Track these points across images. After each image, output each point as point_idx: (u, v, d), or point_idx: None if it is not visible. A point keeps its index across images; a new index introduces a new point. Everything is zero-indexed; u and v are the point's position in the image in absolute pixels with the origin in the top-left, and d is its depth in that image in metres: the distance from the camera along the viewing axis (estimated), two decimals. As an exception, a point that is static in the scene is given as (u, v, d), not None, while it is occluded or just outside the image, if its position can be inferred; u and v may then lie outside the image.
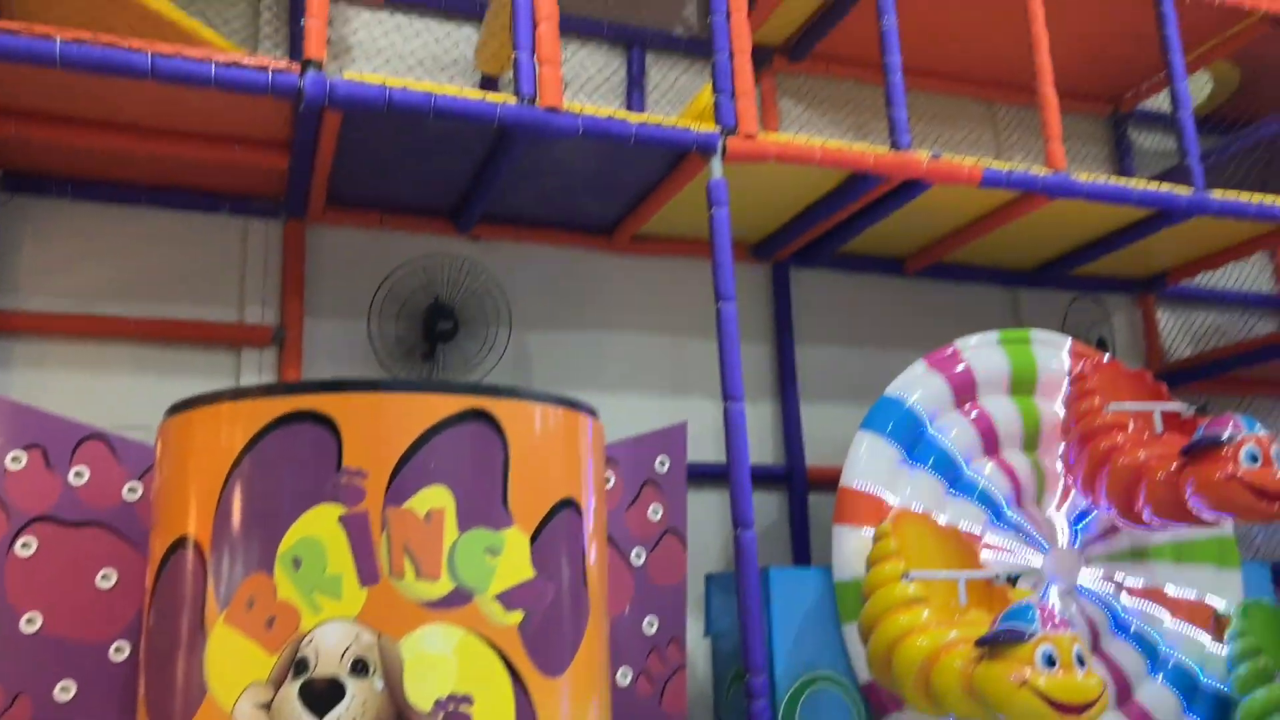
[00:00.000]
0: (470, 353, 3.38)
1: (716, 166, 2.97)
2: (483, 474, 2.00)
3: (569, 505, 2.13)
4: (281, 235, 3.32)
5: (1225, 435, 2.83)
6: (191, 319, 3.18)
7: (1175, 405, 3.28)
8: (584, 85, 3.82)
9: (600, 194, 3.37)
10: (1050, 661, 2.40)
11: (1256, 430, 2.85)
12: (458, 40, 3.70)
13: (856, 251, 3.97)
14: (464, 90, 2.73)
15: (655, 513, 2.79)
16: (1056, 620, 2.50)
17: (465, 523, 1.95)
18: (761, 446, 3.81)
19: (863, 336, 4.06)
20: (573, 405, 2.22)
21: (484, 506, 1.98)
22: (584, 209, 3.50)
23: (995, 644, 2.46)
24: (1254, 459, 2.80)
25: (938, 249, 3.93)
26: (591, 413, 2.31)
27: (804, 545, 3.68)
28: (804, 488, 3.74)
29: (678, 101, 3.96)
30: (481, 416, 2.02)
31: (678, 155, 3.06)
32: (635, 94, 3.85)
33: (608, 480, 2.73)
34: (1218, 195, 3.53)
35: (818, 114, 4.17)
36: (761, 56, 4.03)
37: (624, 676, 2.64)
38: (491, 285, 3.41)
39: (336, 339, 3.31)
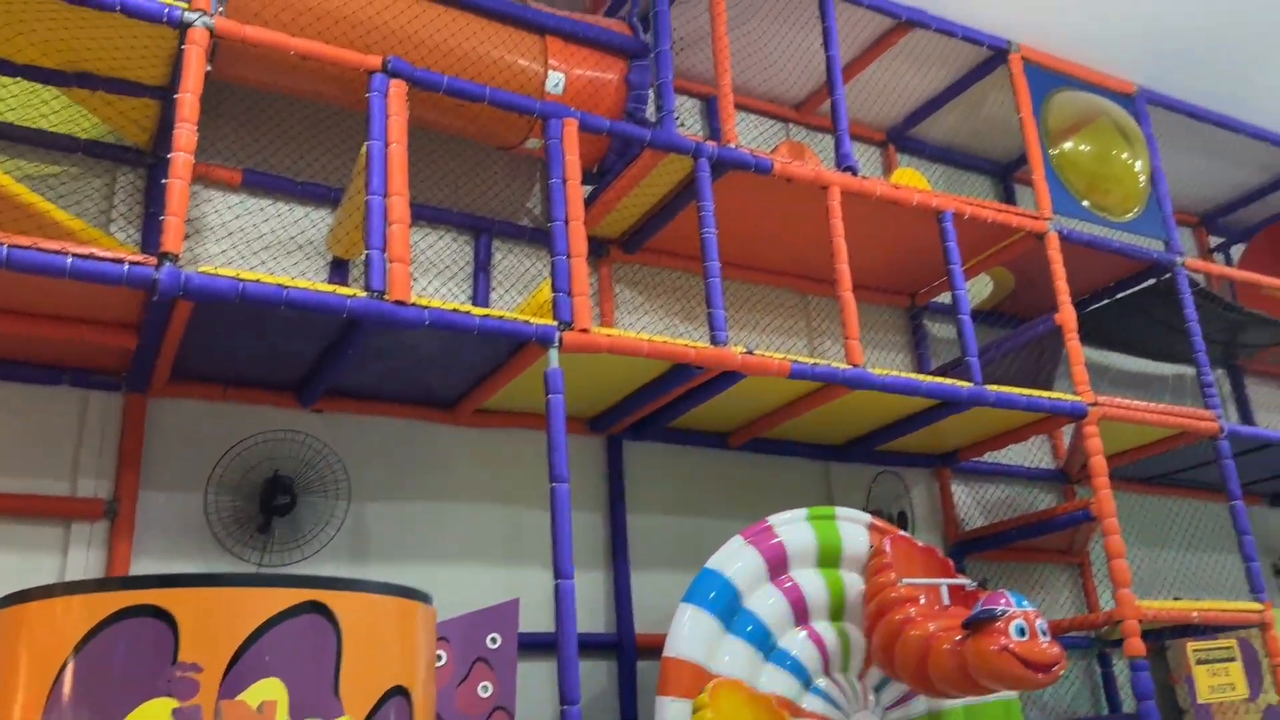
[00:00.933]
0: (307, 526, 3.45)
1: (553, 357, 3.23)
2: (316, 665, 2.10)
3: (400, 692, 2.24)
4: (122, 407, 3.36)
5: (998, 610, 3.19)
6: (21, 491, 3.15)
7: (961, 580, 3.65)
8: (434, 268, 4.06)
9: (444, 374, 3.57)
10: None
11: (1024, 606, 3.23)
12: (314, 222, 3.89)
13: (686, 426, 4.27)
14: (315, 284, 2.91)
15: (485, 690, 2.90)
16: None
17: (297, 714, 2.04)
18: (594, 614, 3.97)
19: (692, 507, 4.33)
20: (407, 594, 2.35)
21: (315, 697, 2.08)
22: (428, 386, 3.68)
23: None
24: (1022, 632, 3.15)
25: (757, 426, 4.28)
26: (425, 599, 2.44)
27: (632, 713, 3.81)
28: (633, 656, 3.90)
29: (521, 283, 4.25)
30: (317, 608, 2.13)
31: (518, 344, 3.31)
32: (482, 277, 4.12)
33: (440, 658, 2.84)
34: (993, 389, 4.03)
35: (651, 300, 4.54)
36: (601, 248, 4.40)
37: None
38: (332, 460, 3.52)
39: (171, 512, 3.33)
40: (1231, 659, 4.12)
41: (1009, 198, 5.73)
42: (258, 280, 2.81)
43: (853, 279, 4.26)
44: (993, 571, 4.89)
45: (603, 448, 4.20)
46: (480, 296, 4.06)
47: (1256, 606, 4.27)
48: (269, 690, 2.04)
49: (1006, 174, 5.76)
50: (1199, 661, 4.05)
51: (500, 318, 3.16)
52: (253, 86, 3.71)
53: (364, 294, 2.94)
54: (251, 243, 3.75)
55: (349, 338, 3.13)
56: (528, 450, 3.98)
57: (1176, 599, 5.29)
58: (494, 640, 2.93)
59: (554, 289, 3.28)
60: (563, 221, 3.34)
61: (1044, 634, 3.20)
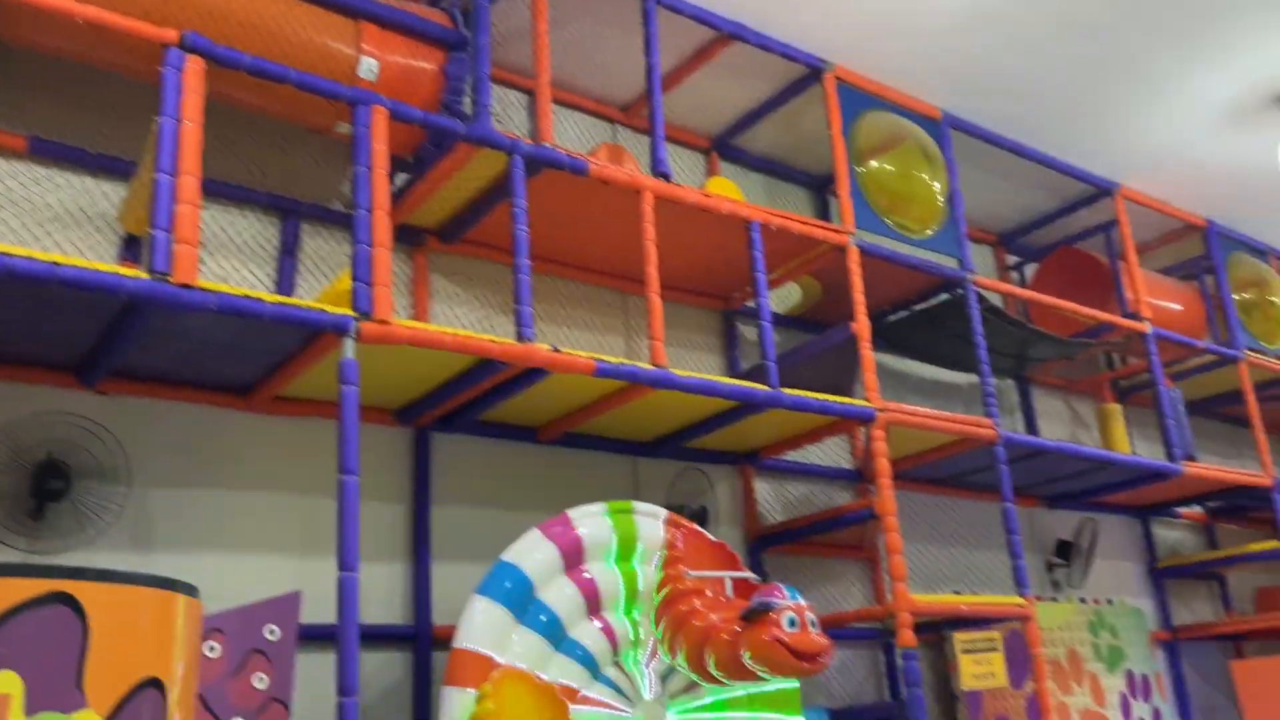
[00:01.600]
0: (84, 512, 3.32)
1: (349, 348, 3.21)
2: (58, 657, 2.04)
3: (153, 684, 2.20)
4: (-124, 382, 3.14)
5: (772, 603, 3.36)
6: None
7: (746, 574, 3.83)
8: (236, 249, 3.95)
9: (239, 360, 3.49)
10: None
11: (797, 599, 3.42)
12: (107, 194, 3.73)
13: (496, 420, 4.30)
14: (92, 263, 2.80)
15: (260, 681, 2.86)
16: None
17: (32, 707, 1.98)
18: (392, 606, 3.96)
19: (500, 500, 4.36)
20: (166, 584, 2.31)
21: (55, 690, 2.02)
22: (222, 371, 3.59)
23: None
24: (793, 624, 3.34)
25: (567, 421, 4.36)
26: (189, 590, 2.39)
27: (425, 704, 3.83)
28: (429, 647, 3.91)
29: (332, 267, 4.18)
30: (62, 599, 2.07)
31: (313, 333, 3.27)
32: (288, 261, 4.03)
33: (212, 650, 2.79)
34: (789, 392, 4.23)
35: (469, 292, 4.55)
36: (417, 236, 4.38)
37: None
38: (112, 445, 3.39)
39: (-71, 495, 3.14)
40: (994, 649, 4.45)
41: (823, 210, 6.00)
42: (29, 256, 2.68)
43: (670, 281, 4.39)
44: (790, 566, 5.13)
45: (409, 439, 4.19)
46: (285, 281, 3.98)
47: (1020, 601, 4.63)
48: (4, 683, 1.97)
49: (822, 187, 6.02)
50: (964, 651, 4.37)
51: (294, 305, 3.12)
52: (41, 52, 3.52)
53: (146, 275, 2.85)
54: (37, 213, 3.57)
55: (130, 320, 3.02)
56: (330, 439, 3.91)
57: (958, 593, 5.68)
58: (272, 632, 2.90)
59: (354, 278, 3.25)
60: (366, 210, 3.32)
61: (814, 626, 3.40)
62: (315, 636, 3.48)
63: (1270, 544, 6.45)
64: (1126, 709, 6.06)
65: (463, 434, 4.30)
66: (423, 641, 3.91)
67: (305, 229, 4.15)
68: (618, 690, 3.68)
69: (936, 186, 5.16)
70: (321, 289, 4.10)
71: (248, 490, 3.75)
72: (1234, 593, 7.45)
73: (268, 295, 3.08)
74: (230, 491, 3.71)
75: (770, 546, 5.03)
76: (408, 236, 4.35)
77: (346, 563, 2.99)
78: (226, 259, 3.92)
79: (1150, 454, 6.62)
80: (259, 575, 3.64)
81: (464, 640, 3.39)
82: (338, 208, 4.25)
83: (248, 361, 3.50)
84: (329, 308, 3.19)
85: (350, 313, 3.22)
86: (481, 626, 3.42)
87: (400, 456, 4.16)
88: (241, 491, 3.73)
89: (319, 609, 3.39)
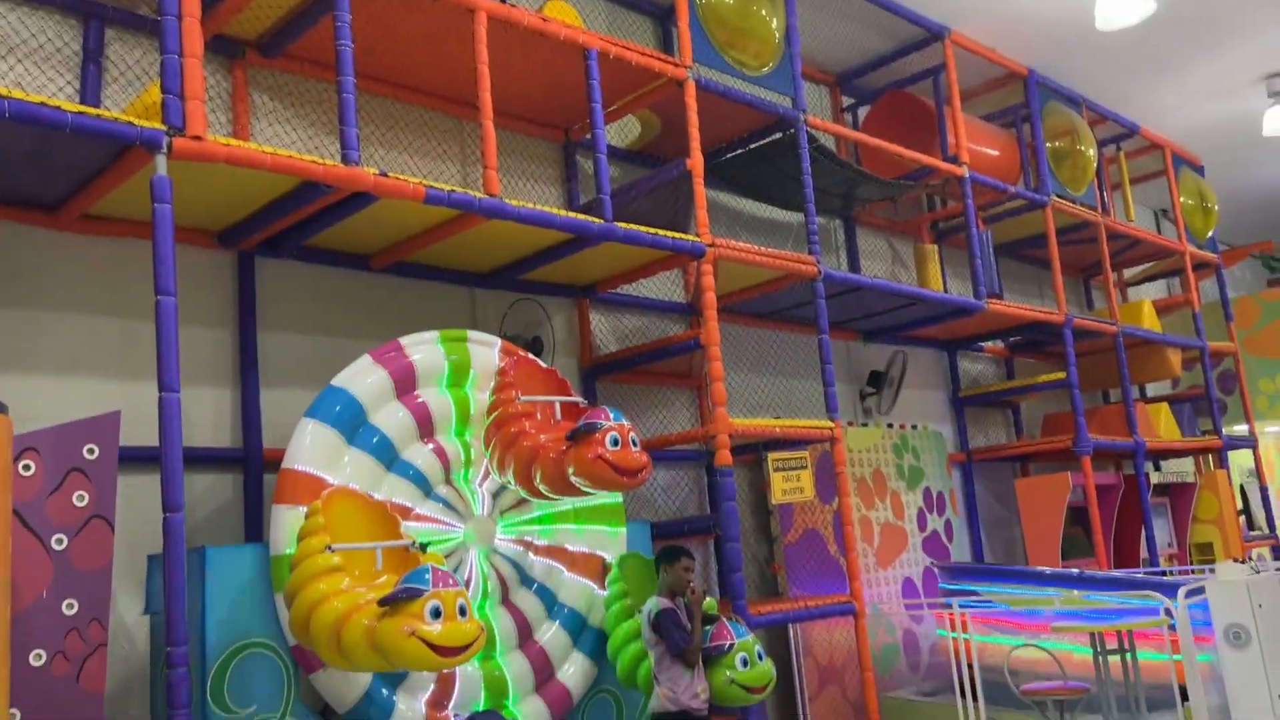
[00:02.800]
0: (-125, 331, 3.14)
1: (161, 164, 3.08)
2: None
3: (-40, 499, 2.18)
4: None
5: (597, 424, 3.55)
6: None
7: (575, 399, 3.99)
8: (33, 54, 3.66)
9: (41, 174, 3.29)
10: (436, 614, 2.93)
11: (621, 420, 3.62)
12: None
13: (325, 246, 4.23)
14: None
15: (81, 499, 2.87)
16: (449, 580, 3.03)
17: None
18: (221, 430, 3.96)
19: (332, 327, 4.34)
20: (-31, 401, 2.26)
21: None
22: (23, 186, 3.39)
23: (394, 602, 2.93)
24: (616, 443, 3.54)
25: (401, 249, 4.33)
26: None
27: (256, 524, 3.89)
28: (259, 470, 3.95)
29: (142, 78, 3.93)
30: None
31: (121, 147, 3.12)
32: (91, 68, 3.76)
33: (28, 468, 2.77)
34: (622, 226, 4.32)
35: (292, 110, 4.36)
36: (234, 48, 4.14)
37: (37, 658, 2.70)
38: (-97, 261, 3.20)
39: None
40: (803, 467, 4.84)
41: (666, 43, 5.96)
42: None
43: (508, 109, 4.31)
44: (623, 393, 5.35)
45: (232, 263, 4.08)
46: (90, 91, 3.72)
47: (829, 424, 5.01)
48: None
49: (666, 18, 5.96)
50: (776, 469, 4.73)
51: (99, 117, 2.96)
52: None
53: (-75, 76, 2.63)
54: None
55: (-89, 125, 2.80)
56: (148, 261, 3.79)
57: (778, 418, 6.06)
58: (91, 451, 2.88)
59: (163, 90, 3.09)
60: (174, 17, 3.12)
61: (635, 445, 3.62)
62: (142, 459, 3.47)
63: (1058, 375, 7.11)
64: (923, 522, 6.72)
65: (290, 259, 4.22)
66: (253, 464, 3.94)
67: (111, 35, 3.87)
68: (450, 507, 3.84)
69: (775, 23, 5.20)
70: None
71: (60, 310, 3.61)
72: (1025, 420, 8.23)
73: (69, 104, 2.90)
74: (40, 311, 3.57)
75: (604, 375, 5.22)
76: (225, 48, 4.11)
77: (166, 383, 2.96)
78: (23, 63, 3.63)
79: (961, 292, 7.10)
80: (79, 397, 3.56)
81: (293, 461, 3.45)
82: (145, 13, 3.96)
83: (53, 177, 3.31)
84: (138, 121, 3.03)
85: (161, 127, 3.07)
86: (311, 448, 3.48)
87: (224, 281, 4.06)
88: (53, 312, 3.60)
89: (145, 431, 3.36)
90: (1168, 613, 4.57)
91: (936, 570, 6.30)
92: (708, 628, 3.84)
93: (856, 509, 6.15)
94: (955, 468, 7.33)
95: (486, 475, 3.93)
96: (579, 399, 4.01)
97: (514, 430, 3.70)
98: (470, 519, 3.89)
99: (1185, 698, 4.51)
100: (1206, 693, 4.47)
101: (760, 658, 3.79)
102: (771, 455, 4.80)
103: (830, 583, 5.67)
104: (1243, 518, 9.50)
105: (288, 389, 4.13)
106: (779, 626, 5.50)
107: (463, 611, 2.99)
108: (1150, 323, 8.18)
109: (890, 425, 6.81)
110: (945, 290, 6.99)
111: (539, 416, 3.83)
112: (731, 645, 3.72)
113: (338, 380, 3.63)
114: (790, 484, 4.77)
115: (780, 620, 4.80)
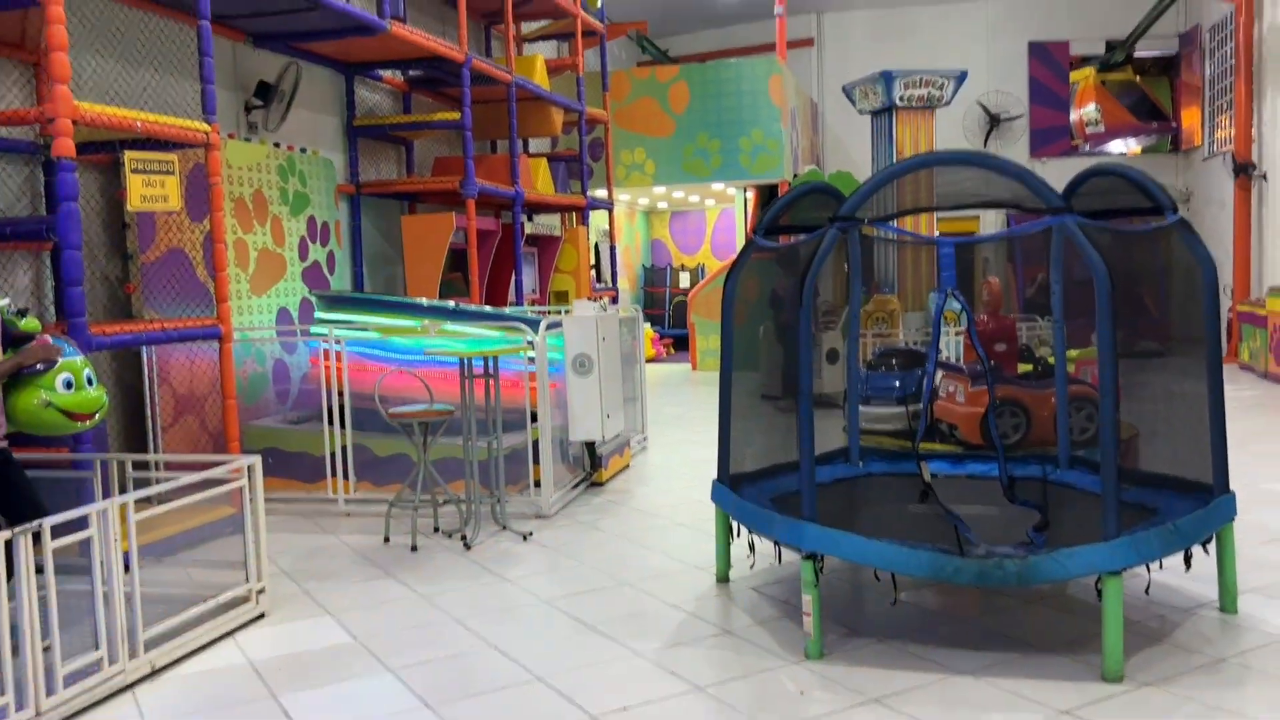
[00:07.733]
0: None
1: None
2: None
3: None
4: None
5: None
6: None
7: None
8: None
9: None
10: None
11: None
12: None
13: None
14: None
15: None
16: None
17: None
18: None
19: None
20: None
21: None
22: None
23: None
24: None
25: None
26: None
27: None
28: None
29: None
30: None
31: None
32: None
33: None
34: None
35: None
36: None
37: None
38: None
39: None
40: (169, 172, 4.15)
41: None
42: None
43: None
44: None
45: None
46: None
47: (204, 127, 4.36)
48: None
49: None
50: (134, 170, 3.99)
51: None
52: None
53: None
54: None
55: None
56: None
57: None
58: None
59: None
60: None
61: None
62: None
63: (454, 114, 7.08)
64: (304, 251, 6.39)
65: None
66: None
67: None
68: None
69: None
70: None
71: None
72: (417, 158, 8.16)
73: None
74: None
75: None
76: None
77: None
78: None
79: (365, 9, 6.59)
80: None
81: None
82: None
83: None
84: None
85: None
86: None
87: None
88: None
89: None
90: (530, 345, 4.93)
91: (314, 299, 6.07)
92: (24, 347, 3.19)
93: (232, 231, 5.60)
94: (343, 199, 7.05)
95: None
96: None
97: None
98: None
99: (535, 419, 4.97)
100: (552, 415, 4.97)
101: (90, 382, 3.26)
102: (130, 154, 4.03)
103: (196, 310, 5.14)
104: (594, 271, 10.76)
105: None
106: (131, 351, 4.88)
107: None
108: (541, 79, 8.50)
109: (277, 145, 6.25)
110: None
111: None
112: (51, 365, 3.13)
113: None
114: (153, 190, 4.08)
115: (131, 342, 4.22)
